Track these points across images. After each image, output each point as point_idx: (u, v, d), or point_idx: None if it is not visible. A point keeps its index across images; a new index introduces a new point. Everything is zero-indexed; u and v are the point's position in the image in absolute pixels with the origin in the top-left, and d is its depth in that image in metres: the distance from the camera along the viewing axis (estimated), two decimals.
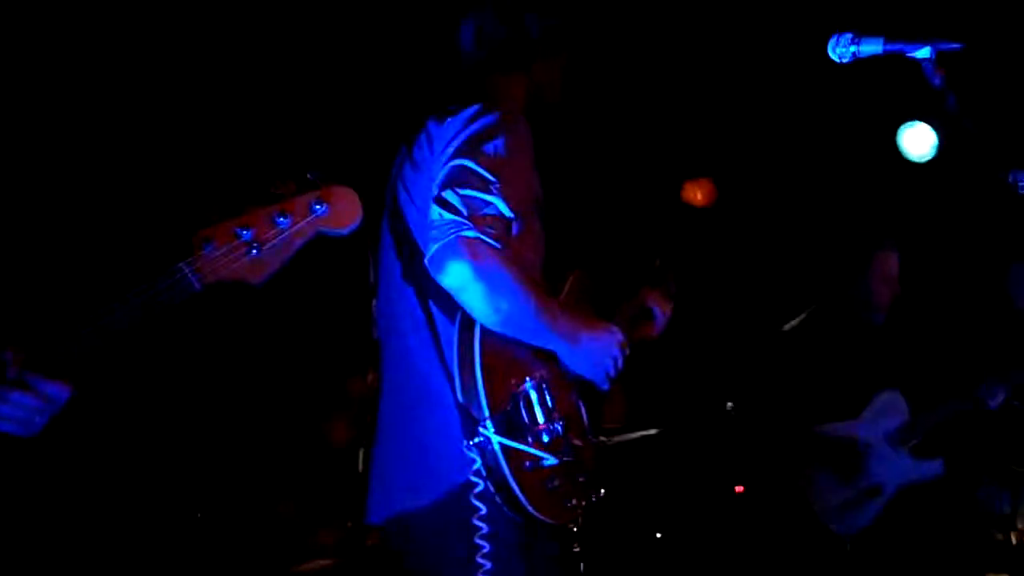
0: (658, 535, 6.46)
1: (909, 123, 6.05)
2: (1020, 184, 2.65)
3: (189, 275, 2.18)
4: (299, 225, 2.20)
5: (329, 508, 5.10)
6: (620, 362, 2.89)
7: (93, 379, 2.19)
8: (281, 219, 2.19)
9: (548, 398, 2.68)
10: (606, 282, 3.18)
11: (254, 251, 2.19)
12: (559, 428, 2.67)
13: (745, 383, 5.29)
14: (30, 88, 4.73)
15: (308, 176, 2.22)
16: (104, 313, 2.14)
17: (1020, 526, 4.95)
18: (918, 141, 6.07)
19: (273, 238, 2.19)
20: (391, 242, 2.88)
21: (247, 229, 2.18)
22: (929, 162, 6.05)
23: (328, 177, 2.22)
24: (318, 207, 2.21)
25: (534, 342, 2.70)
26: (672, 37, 6.09)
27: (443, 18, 3.18)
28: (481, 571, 2.54)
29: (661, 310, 3.31)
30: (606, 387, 2.91)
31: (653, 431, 5.05)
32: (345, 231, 2.23)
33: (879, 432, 4.93)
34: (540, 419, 2.63)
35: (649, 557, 6.51)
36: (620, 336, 2.90)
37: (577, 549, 4.74)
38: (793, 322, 5.26)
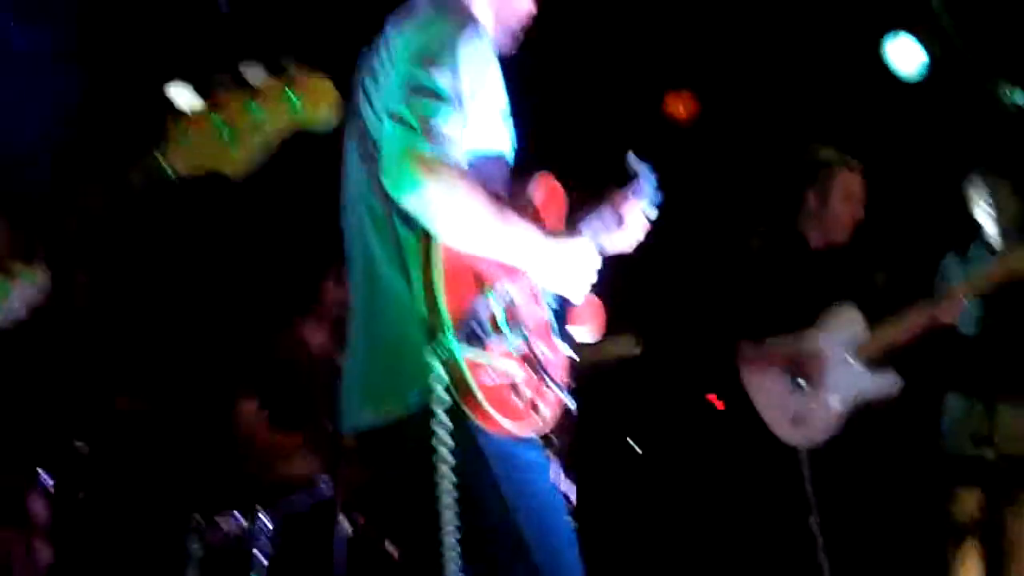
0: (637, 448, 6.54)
1: (897, 35, 5.99)
2: (1009, 97, 2.62)
3: (163, 162, 2.14)
4: (274, 113, 2.16)
5: (304, 411, 5.09)
6: (591, 273, 2.85)
7: (68, 269, 2.17)
8: (256, 110, 2.15)
9: (515, 308, 2.65)
10: (579, 184, 3.11)
11: (231, 142, 2.14)
12: (525, 338, 2.64)
13: (707, 296, 5.28)
14: None
15: (282, 63, 2.17)
16: (81, 198, 2.10)
17: (996, 441, 4.97)
18: (906, 55, 6.01)
19: (249, 129, 2.15)
20: (355, 147, 2.81)
21: (222, 120, 2.15)
22: (915, 79, 6.02)
23: (303, 66, 2.18)
24: (292, 97, 2.17)
25: (495, 258, 2.65)
26: None
27: None
28: (442, 476, 2.51)
29: (634, 213, 3.21)
30: (578, 299, 2.88)
31: (631, 349, 5.03)
32: (321, 122, 2.19)
33: (834, 344, 4.96)
34: (505, 329, 2.60)
35: (626, 472, 6.57)
36: (590, 246, 2.86)
37: (549, 456, 4.76)
38: (756, 239, 5.27)
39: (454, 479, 2.52)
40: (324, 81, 2.20)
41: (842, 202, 5.13)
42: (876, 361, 4.98)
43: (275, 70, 2.17)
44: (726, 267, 5.28)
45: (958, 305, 4.99)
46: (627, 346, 4.99)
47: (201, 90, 2.15)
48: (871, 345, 4.98)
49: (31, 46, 4.95)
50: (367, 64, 2.84)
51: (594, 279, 2.86)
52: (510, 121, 2.89)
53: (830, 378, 4.92)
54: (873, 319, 5.02)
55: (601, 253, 2.97)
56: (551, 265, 2.74)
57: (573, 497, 4.87)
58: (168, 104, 2.02)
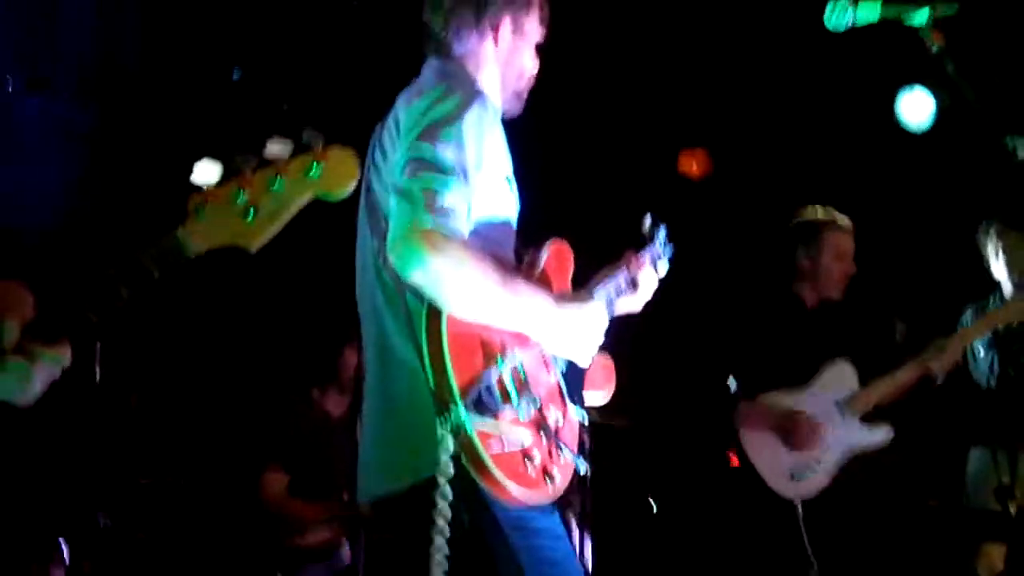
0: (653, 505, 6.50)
1: (907, 89, 6.05)
2: (1017, 150, 2.63)
3: (183, 240, 2.14)
4: (294, 188, 2.17)
5: (325, 480, 5.09)
6: (599, 337, 2.85)
7: (84, 345, 2.18)
8: (276, 183, 2.16)
9: (523, 375, 2.65)
10: (589, 248, 3.10)
11: (249, 215, 2.15)
12: (535, 406, 2.64)
13: (705, 354, 5.30)
14: None
15: (304, 138, 2.19)
16: (100, 280, 2.11)
17: (1019, 495, 4.94)
18: (916, 108, 6.06)
19: (269, 202, 2.16)
20: (366, 220, 2.84)
21: (242, 193, 2.15)
22: (926, 131, 6.07)
23: (324, 138, 2.19)
24: (313, 170, 2.17)
25: (503, 327, 2.66)
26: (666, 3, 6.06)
27: None
28: (436, 548, 2.49)
29: (648, 278, 3.23)
30: (586, 363, 2.87)
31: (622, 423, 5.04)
32: (340, 194, 2.19)
33: (828, 400, 4.96)
34: (514, 398, 2.59)
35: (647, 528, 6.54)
36: (598, 310, 2.86)
37: (574, 521, 4.75)
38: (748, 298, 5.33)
39: (447, 552, 2.50)
40: (347, 153, 2.20)
41: (833, 260, 5.15)
42: (869, 415, 4.99)
43: (299, 144, 2.18)
44: (724, 325, 5.28)
45: (949, 358, 4.99)
46: (620, 420, 4.99)
47: (226, 166, 2.16)
48: (864, 399, 4.98)
49: (41, 115, 5.00)
50: (377, 139, 2.87)
51: (601, 343, 2.86)
52: (515, 185, 2.91)
53: (824, 433, 4.90)
54: (872, 373, 5.03)
55: (611, 315, 2.97)
56: (559, 331, 2.74)
57: (589, 556, 4.86)
58: (188, 181, 2.03)
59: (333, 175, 2.18)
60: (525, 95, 3.09)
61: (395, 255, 2.54)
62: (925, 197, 6.49)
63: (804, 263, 5.18)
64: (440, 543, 2.50)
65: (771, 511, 4.85)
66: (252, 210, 2.15)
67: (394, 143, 2.76)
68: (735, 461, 5.10)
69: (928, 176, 6.47)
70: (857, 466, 4.95)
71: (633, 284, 3.16)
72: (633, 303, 3.19)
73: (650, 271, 3.22)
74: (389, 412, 2.74)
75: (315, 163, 2.17)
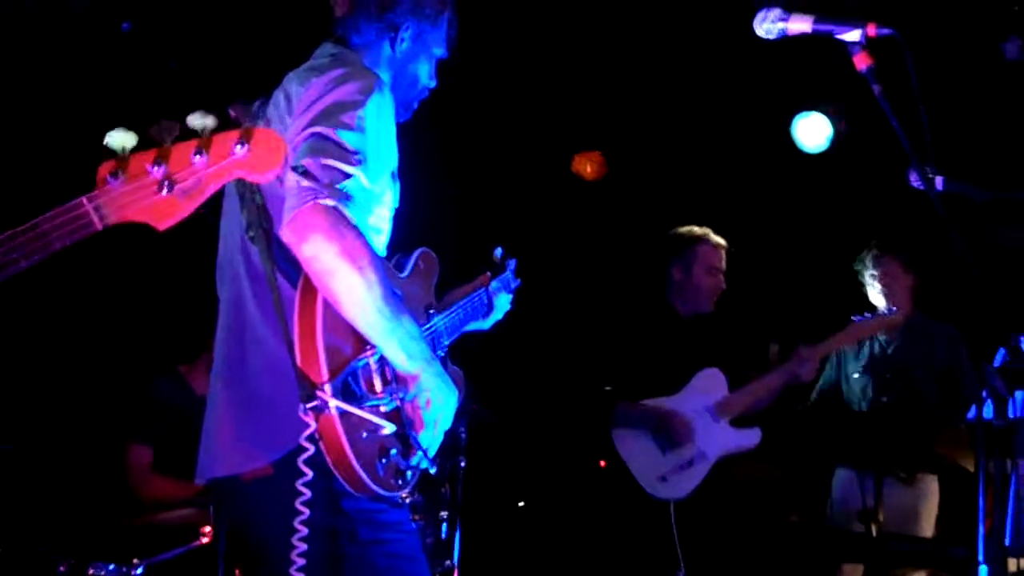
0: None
1: (805, 113, 6.15)
2: (925, 177, 2.64)
3: (90, 211, 1.92)
4: (217, 166, 1.95)
5: (188, 458, 4.92)
6: (449, 405, 2.71)
7: None
8: (198, 157, 1.93)
9: (389, 369, 2.60)
10: (454, 261, 3.14)
11: (165, 189, 1.93)
12: (399, 399, 2.59)
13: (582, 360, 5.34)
14: None
15: (230, 113, 2.00)
16: None
17: (880, 517, 5.04)
18: (813, 132, 6.17)
19: (187, 177, 1.93)
20: (235, 196, 2.75)
21: (159, 164, 1.92)
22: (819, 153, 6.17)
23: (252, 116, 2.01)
24: (239, 148, 1.95)
25: (366, 334, 2.55)
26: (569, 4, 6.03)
27: None
28: (297, 536, 2.42)
29: (498, 302, 3.35)
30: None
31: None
32: (264, 177, 1.98)
33: (699, 405, 5.10)
34: (380, 389, 2.56)
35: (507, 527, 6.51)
36: (457, 395, 2.73)
37: (417, 520, 4.69)
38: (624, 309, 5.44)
39: (307, 538, 2.42)
40: (274, 137, 1.98)
41: (704, 274, 5.31)
42: (739, 419, 5.12)
43: (224, 119, 1.97)
44: (600, 332, 5.38)
45: (812, 364, 5.16)
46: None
47: (143, 134, 1.94)
48: (734, 403, 5.13)
49: None
50: (260, 114, 2.79)
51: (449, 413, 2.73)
52: (398, 182, 2.87)
53: (697, 438, 5.02)
54: (742, 380, 5.18)
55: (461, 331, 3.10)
56: (413, 368, 2.62)
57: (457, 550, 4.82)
58: (104, 149, 1.77)
59: (259, 155, 1.96)
60: (414, 106, 3.07)
61: (292, 231, 2.46)
62: (812, 218, 6.59)
63: (676, 275, 5.33)
64: (301, 529, 2.41)
65: (642, 511, 4.92)
66: (169, 184, 1.93)
67: (283, 119, 2.70)
68: (603, 464, 5.13)
69: (816, 198, 6.57)
70: (728, 470, 5.08)
71: (488, 306, 3.31)
72: (484, 323, 3.33)
73: (505, 296, 3.37)
74: (246, 393, 2.67)
75: (241, 141, 1.95)
